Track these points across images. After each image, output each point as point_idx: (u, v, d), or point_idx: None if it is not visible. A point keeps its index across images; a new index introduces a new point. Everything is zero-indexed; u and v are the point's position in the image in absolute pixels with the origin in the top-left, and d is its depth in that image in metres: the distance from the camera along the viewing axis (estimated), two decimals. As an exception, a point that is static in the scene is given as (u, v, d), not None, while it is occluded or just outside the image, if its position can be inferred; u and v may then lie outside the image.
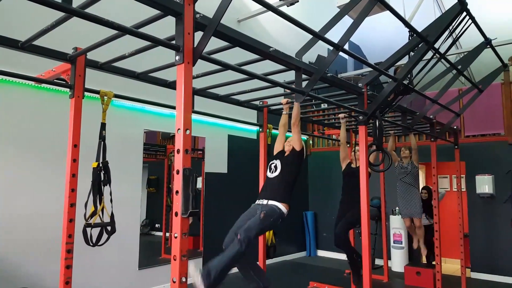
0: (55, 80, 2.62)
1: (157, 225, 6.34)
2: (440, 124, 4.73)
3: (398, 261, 6.27)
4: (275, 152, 3.27)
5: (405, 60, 3.24)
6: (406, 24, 2.71)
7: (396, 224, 6.30)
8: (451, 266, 6.62)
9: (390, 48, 3.43)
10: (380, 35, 9.10)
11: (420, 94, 3.68)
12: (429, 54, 3.13)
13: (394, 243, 6.32)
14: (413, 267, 5.53)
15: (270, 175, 3.13)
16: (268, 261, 3.62)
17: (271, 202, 2.93)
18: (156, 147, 6.08)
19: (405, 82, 3.23)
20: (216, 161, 5.98)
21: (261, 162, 3.80)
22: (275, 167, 3.14)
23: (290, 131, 3.17)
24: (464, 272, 4.97)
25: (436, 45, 2.97)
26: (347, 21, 2.60)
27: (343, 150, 4.30)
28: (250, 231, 2.66)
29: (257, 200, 3.06)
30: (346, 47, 2.38)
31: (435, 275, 4.61)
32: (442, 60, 3.47)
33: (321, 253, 7.58)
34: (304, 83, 2.54)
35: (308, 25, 2.07)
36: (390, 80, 3.03)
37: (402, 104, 3.75)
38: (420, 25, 2.98)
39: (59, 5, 1.37)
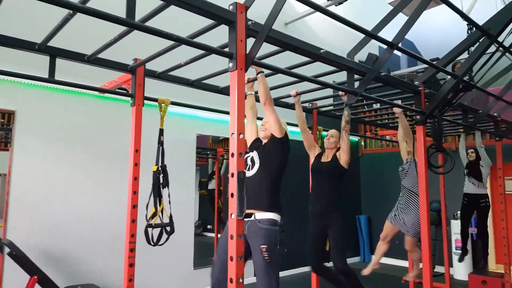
0: (116, 90, 2.80)
1: (209, 226, 6.52)
2: (505, 122, 4.39)
3: (461, 268, 5.90)
4: (248, 144, 2.68)
5: (464, 55, 3.06)
6: (465, 17, 2.56)
7: (458, 229, 5.93)
8: (521, 275, 6.09)
9: (446, 43, 3.27)
10: (435, 30, 8.65)
11: (483, 90, 3.45)
12: (492, 48, 2.93)
13: (456, 249, 5.96)
14: (478, 275, 5.17)
15: (247, 173, 2.45)
16: (321, 265, 3.58)
17: (259, 215, 2.31)
18: (207, 150, 6.27)
19: (465, 78, 3.05)
20: (266, 163, 6.01)
21: (311, 164, 3.77)
22: (252, 161, 2.49)
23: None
24: (538, 283, 4.56)
25: (500, 38, 2.78)
26: (398, 17, 2.51)
27: (306, 138, 3.40)
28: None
29: None
30: (399, 44, 2.31)
31: (504, 285, 4.28)
32: (507, 54, 3.23)
33: (376, 258, 7.33)
34: (355, 83, 2.49)
35: (357, 23, 2.04)
36: (449, 77, 2.88)
37: (463, 102, 3.54)
38: (479, 18, 2.81)
39: (124, 20, 1.47)
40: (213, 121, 5.22)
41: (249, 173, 2.45)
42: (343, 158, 3.20)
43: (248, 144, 2.67)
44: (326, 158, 3.34)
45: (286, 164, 2.57)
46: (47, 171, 3.76)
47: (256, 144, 2.64)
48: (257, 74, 2.43)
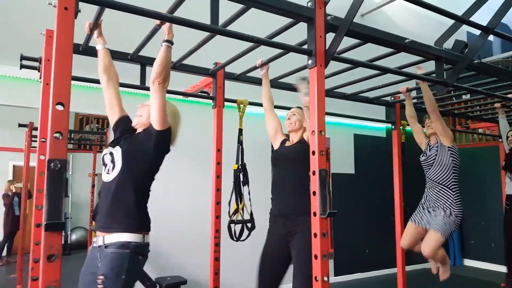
0: (198, 93, 2.95)
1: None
2: None
3: None
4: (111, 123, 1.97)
5: None
6: None
7: None
8: None
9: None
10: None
11: None
12: None
13: None
14: None
15: (105, 177, 1.77)
16: (408, 268, 3.38)
17: (108, 238, 1.65)
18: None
19: None
20: (342, 161, 5.86)
21: (395, 161, 3.59)
22: (112, 160, 1.75)
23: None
24: None
25: None
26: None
27: (271, 123, 2.63)
28: None
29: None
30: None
31: None
32: None
33: (468, 262, 6.73)
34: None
35: (443, 8, 1.88)
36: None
37: None
38: None
39: (209, 27, 1.55)
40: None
41: (107, 178, 1.75)
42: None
43: (111, 124, 1.95)
44: (291, 142, 2.52)
45: (159, 168, 1.88)
46: (139, 170, 4.09)
47: (120, 133, 1.89)
48: (164, 41, 1.69)
